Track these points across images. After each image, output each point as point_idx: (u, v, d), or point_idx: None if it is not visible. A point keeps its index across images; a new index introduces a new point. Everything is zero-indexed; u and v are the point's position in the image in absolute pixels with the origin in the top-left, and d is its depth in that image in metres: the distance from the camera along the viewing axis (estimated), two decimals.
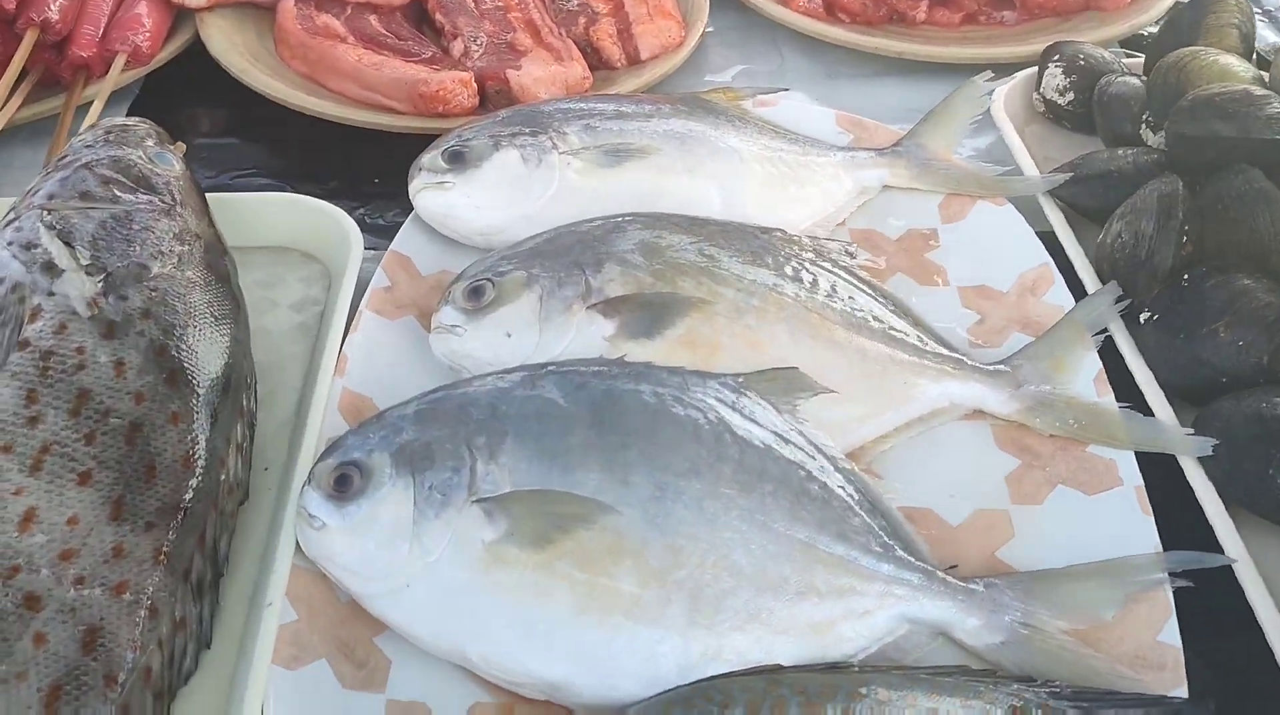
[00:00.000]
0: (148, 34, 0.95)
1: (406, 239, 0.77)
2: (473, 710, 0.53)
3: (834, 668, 0.53)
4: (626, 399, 0.58)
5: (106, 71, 0.94)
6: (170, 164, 0.71)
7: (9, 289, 0.59)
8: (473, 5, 1.02)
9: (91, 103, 0.91)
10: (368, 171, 0.90)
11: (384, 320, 0.71)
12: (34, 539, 0.51)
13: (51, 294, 0.59)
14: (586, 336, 0.66)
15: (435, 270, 0.76)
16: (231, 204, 0.76)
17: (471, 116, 0.89)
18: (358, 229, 0.75)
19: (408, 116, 0.89)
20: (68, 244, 0.61)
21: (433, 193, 0.75)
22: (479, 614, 0.53)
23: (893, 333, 0.68)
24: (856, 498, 0.58)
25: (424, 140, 0.81)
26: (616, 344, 0.65)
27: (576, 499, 0.54)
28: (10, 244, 0.61)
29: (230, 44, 0.97)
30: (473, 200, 0.75)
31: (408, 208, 0.78)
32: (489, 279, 0.68)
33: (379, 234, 0.83)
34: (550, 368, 0.61)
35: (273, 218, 0.79)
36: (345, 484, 0.55)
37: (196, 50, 0.99)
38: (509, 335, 0.66)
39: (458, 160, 0.76)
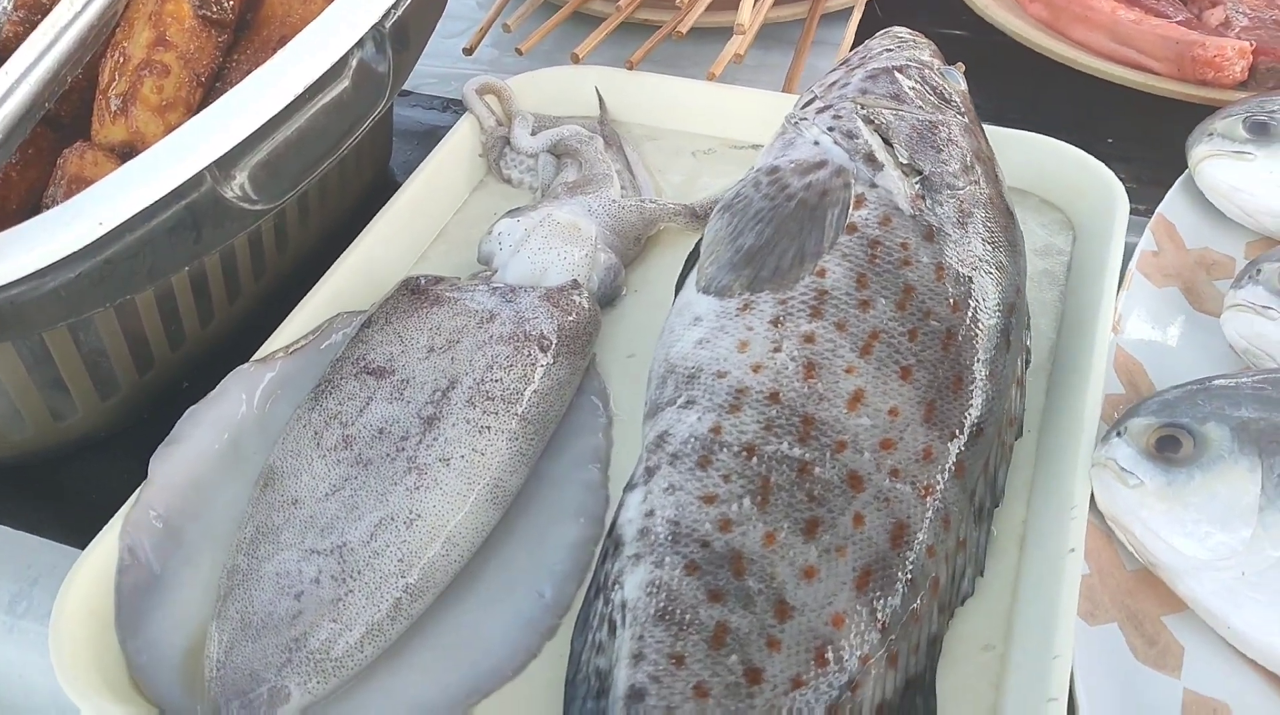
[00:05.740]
0: None
1: (1173, 205, 0.71)
2: None
3: None
4: None
5: None
6: (957, 80, 0.69)
7: (833, 172, 0.59)
8: None
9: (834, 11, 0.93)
10: (1102, 128, 0.84)
11: (1151, 286, 0.66)
12: (860, 420, 0.50)
13: (874, 186, 0.59)
14: None
15: (1198, 245, 0.70)
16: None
17: (1236, 90, 0.81)
18: (1122, 188, 0.70)
19: (1166, 78, 0.82)
20: (886, 141, 0.61)
21: (1225, 162, 0.69)
22: None
23: None
24: None
25: (1175, 105, 0.75)
26: None
27: None
28: (831, 130, 0.62)
29: None
30: (1276, 177, 0.67)
31: (1142, 171, 0.74)
32: None
33: None
34: None
35: (1016, 157, 0.75)
36: (1171, 446, 0.51)
37: None
38: None
39: (1261, 132, 0.68)
